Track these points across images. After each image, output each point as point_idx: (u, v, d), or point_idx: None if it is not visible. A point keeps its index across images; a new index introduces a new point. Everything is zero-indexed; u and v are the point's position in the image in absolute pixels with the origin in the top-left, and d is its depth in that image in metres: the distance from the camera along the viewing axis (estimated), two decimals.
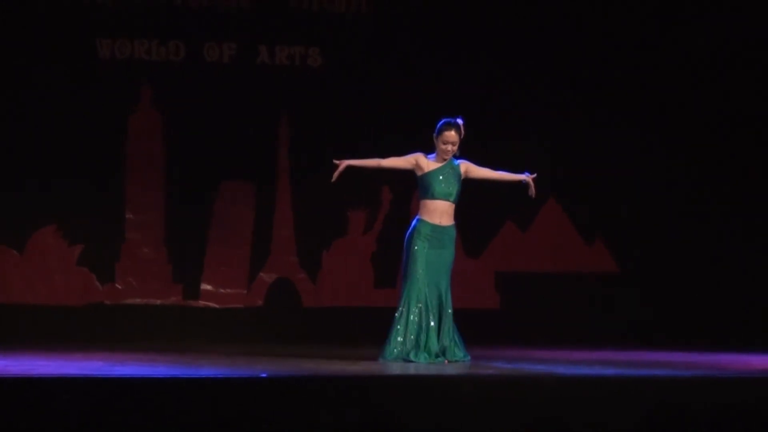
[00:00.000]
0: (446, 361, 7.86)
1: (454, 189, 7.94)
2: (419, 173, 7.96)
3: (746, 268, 10.94)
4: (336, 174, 7.95)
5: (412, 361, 7.76)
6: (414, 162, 7.97)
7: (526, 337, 10.32)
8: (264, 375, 6.45)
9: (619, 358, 8.65)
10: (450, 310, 7.94)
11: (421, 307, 7.84)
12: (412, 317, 7.84)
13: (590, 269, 11.08)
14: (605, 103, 10.96)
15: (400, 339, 7.84)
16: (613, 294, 10.98)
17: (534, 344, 9.83)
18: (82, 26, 10.42)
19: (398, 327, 7.85)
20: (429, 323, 7.85)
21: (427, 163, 7.94)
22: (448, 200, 7.94)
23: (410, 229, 7.95)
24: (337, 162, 7.95)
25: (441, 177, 7.91)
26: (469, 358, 7.92)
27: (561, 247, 11.08)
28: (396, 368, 7.47)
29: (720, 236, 11.01)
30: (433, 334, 7.86)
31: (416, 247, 7.88)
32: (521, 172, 8.14)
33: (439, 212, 7.93)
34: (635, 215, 11.01)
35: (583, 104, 10.92)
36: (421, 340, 7.82)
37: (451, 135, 7.89)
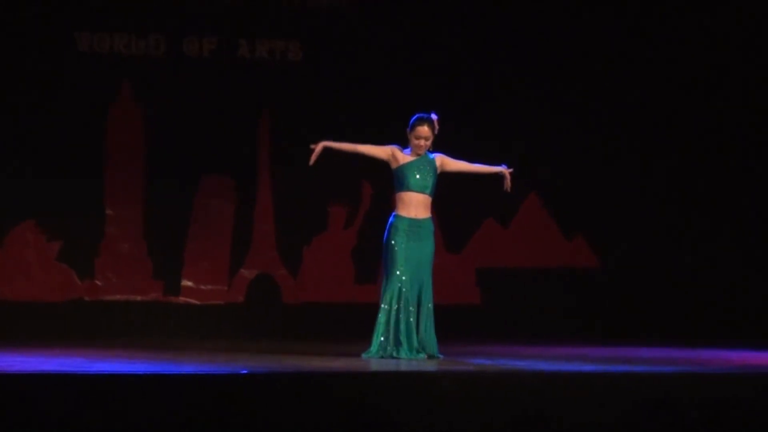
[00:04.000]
0: (426, 357, 7.87)
1: (429, 181, 7.93)
2: (394, 165, 7.95)
3: (726, 264, 10.99)
4: (313, 157, 7.94)
5: (393, 358, 7.76)
6: (390, 153, 7.96)
7: (506, 332, 10.33)
8: (244, 371, 6.44)
9: (600, 354, 8.67)
10: (430, 305, 7.93)
11: (401, 303, 7.83)
12: (392, 314, 7.83)
13: (571, 265, 11.11)
14: (587, 100, 10.98)
15: (382, 338, 7.83)
16: (593, 289, 11.00)
17: (515, 340, 9.84)
18: (61, 20, 10.36)
19: (380, 326, 7.84)
20: (408, 319, 7.84)
21: (402, 156, 7.95)
22: (424, 192, 7.92)
23: (387, 225, 7.94)
24: (313, 146, 7.93)
25: (416, 169, 7.91)
26: (441, 357, 7.91)
27: (542, 242, 11.10)
28: (376, 364, 7.47)
29: (701, 232, 11.05)
30: (413, 330, 7.85)
31: (393, 243, 7.87)
32: (499, 165, 8.14)
33: (415, 205, 7.91)
34: (616, 211, 11.03)
35: (565, 101, 10.94)
36: (402, 336, 7.82)
37: (424, 130, 7.89)
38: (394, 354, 7.79)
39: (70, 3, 10.41)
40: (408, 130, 7.95)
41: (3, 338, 9.27)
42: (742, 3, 10.97)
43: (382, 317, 7.83)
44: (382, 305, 7.85)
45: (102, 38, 10.47)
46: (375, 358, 7.76)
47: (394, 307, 7.82)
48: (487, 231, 11.05)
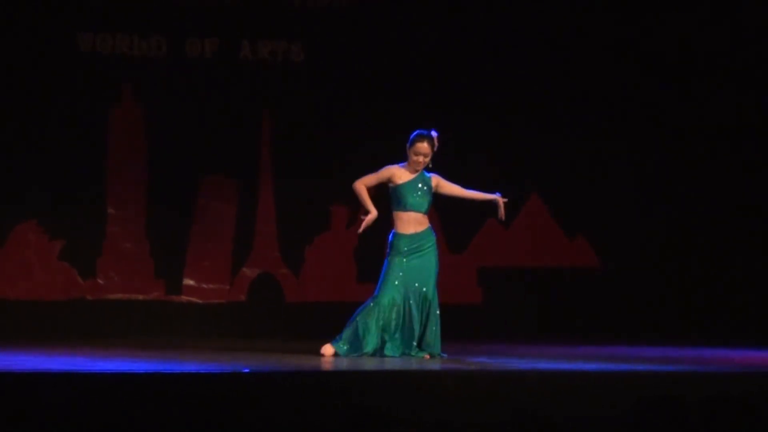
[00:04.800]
0: (427, 356, 7.90)
1: (426, 201, 8.02)
2: (392, 185, 8.02)
3: (728, 264, 11.00)
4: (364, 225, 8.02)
5: (386, 356, 7.83)
6: (389, 176, 8.02)
7: (508, 332, 10.34)
8: (246, 370, 6.45)
9: (601, 353, 8.68)
10: (437, 311, 7.99)
11: (398, 309, 7.90)
12: (386, 315, 7.89)
13: (572, 264, 11.11)
14: (588, 99, 10.98)
15: (359, 337, 7.88)
16: (594, 289, 11.01)
17: (516, 339, 9.85)
18: (64, 20, 10.37)
19: (360, 327, 7.87)
20: (407, 322, 7.90)
21: (399, 175, 7.99)
22: (420, 211, 8.02)
23: (388, 243, 8.03)
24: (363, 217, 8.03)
25: (414, 189, 7.98)
26: (444, 356, 7.96)
27: (543, 242, 11.10)
28: (378, 363, 7.49)
29: (702, 231, 11.05)
30: (406, 333, 7.90)
31: (392, 263, 7.98)
32: (494, 191, 8.15)
33: (414, 222, 8.04)
34: (617, 211, 11.03)
35: (566, 101, 10.94)
36: (397, 335, 7.89)
37: (424, 146, 7.95)
38: (387, 352, 7.86)
39: (72, 4, 10.42)
40: (407, 145, 8.01)
41: (5, 337, 9.28)
42: (740, 2, 11.00)
43: (364, 318, 7.88)
44: (367, 313, 7.90)
45: (104, 39, 10.48)
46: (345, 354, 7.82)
47: (386, 309, 7.88)
48: (488, 231, 11.06)
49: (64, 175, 10.30)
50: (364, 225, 8.04)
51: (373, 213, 8.01)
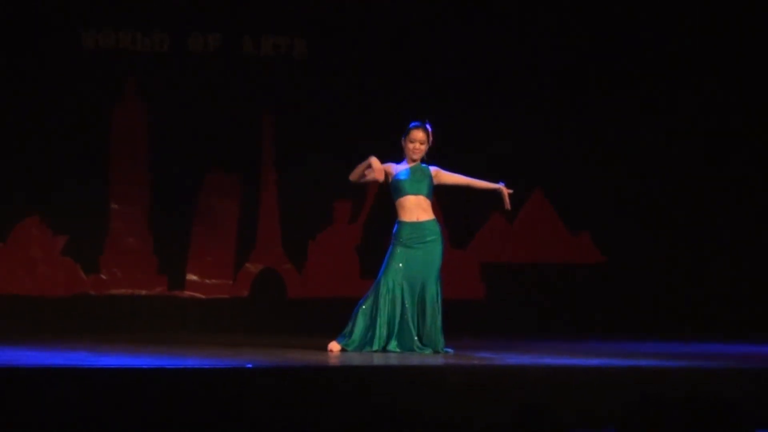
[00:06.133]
0: (431, 351, 7.90)
1: (424, 184, 7.96)
2: (390, 179, 8.01)
3: (731, 260, 10.99)
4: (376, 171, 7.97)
5: (389, 351, 7.83)
6: (385, 171, 8.00)
7: (511, 327, 10.34)
8: (249, 365, 6.46)
9: (604, 348, 8.68)
10: (437, 304, 7.95)
11: (394, 299, 7.88)
12: (386, 309, 7.88)
13: (576, 260, 11.11)
14: (592, 95, 10.97)
15: (360, 331, 7.87)
16: (597, 285, 11.00)
17: (519, 335, 9.85)
18: (66, 17, 10.37)
19: (360, 319, 7.87)
20: (405, 315, 7.87)
21: (396, 167, 7.99)
22: (421, 194, 7.95)
23: (392, 234, 8.01)
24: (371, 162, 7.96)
25: (411, 174, 7.95)
26: (452, 351, 7.94)
27: (547, 238, 11.10)
28: (381, 359, 7.48)
29: (706, 227, 11.05)
30: (409, 326, 7.88)
31: (393, 252, 7.95)
32: (497, 182, 8.13)
33: (416, 209, 7.96)
34: (620, 207, 11.03)
35: (570, 96, 10.93)
36: (394, 331, 7.88)
37: (418, 134, 7.93)
38: (390, 347, 7.85)
39: (74, 1, 10.41)
40: (402, 138, 7.99)
41: (9, 332, 9.29)
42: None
43: (366, 312, 7.87)
44: (369, 300, 7.89)
45: (106, 35, 10.47)
46: (356, 351, 7.81)
47: (387, 302, 7.87)
48: (492, 226, 11.05)
49: (67, 170, 10.30)
50: (376, 170, 7.91)
51: (372, 158, 7.90)
